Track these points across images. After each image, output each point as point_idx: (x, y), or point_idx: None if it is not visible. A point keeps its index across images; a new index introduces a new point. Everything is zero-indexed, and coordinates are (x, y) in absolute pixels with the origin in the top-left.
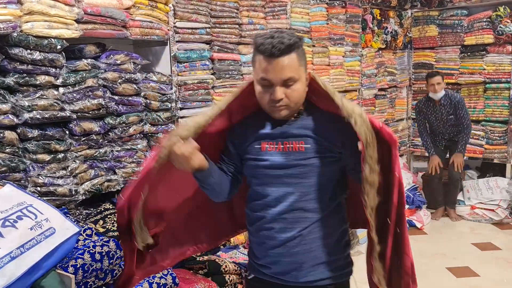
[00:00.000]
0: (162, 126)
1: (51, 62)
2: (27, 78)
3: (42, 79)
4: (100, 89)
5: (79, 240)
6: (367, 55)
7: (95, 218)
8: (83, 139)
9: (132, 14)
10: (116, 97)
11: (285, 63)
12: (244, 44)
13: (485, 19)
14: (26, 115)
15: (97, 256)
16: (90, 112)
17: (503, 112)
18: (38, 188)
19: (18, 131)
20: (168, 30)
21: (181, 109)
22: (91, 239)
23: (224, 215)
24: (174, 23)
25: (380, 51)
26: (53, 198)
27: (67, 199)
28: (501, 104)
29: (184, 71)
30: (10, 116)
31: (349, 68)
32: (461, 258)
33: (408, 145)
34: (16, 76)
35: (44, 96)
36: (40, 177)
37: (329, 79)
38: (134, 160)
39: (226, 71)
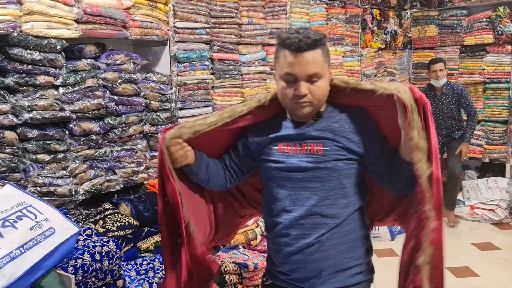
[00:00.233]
0: (162, 126)
1: (51, 62)
2: (27, 78)
3: (42, 79)
4: (100, 89)
5: (79, 240)
6: (367, 55)
7: (95, 218)
8: (83, 139)
9: (131, 14)
10: (116, 97)
11: (310, 58)
12: (243, 44)
13: (484, 19)
14: (26, 115)
15: (97, 256)
16: (90, 112)
17: (502, 112)
18: (38, 188)
19: (18, 131)
20: (167, 30)
21: (180, 109)
22: (91, 239)
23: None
24: (174, 23)
25: (379, 51)
26: (53, 198)
27: (67, 199)
28: (501, 104)
29: (183, 71)
30: (10, 116)
31: (348, 68)
32: (460, 258)
33: None
34: (16, 76)
35: (44, 96)
36: (40, 177)
37: None
38: (134, 160)
39: (225, 71)
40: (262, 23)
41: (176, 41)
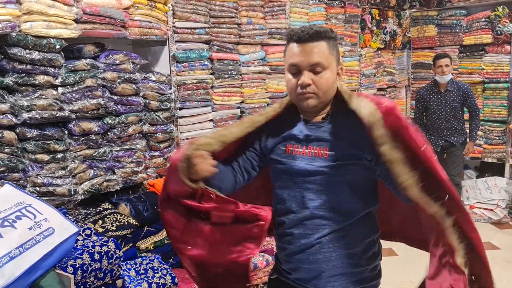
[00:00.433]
0: (161, 126)
1: (50, 62)
2: (26, 78)
3: (41, 79)
4: (99, 89)
5: (78, 240)
6: (366, 55)
7: (94, 218)
8: (82, 139)
9: (131, 14)
10: (115, 97)
11: (313, 48)
12: (243, 44)
13: (483, 19)
14: (25, 115)
15: (96, 256)
16: (89, 112)
17: (501, 112)
18: (37, 188)
19: (17, 131)
20: (167, 30)
21: (180, 109)
22: (90, 239)
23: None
24: (173, 23)
25: (379, 51)
26: (52, 198)
27: (66, 199)
28: (500, 104)
29: (183, 71)
30: (9, 116)
31: (348, 68)
32: None
33: None
34: (15, 76)
35: (43, 96)
36: (39, 177)
37: None
38: (133, 160)
39: (225, 71)
40: (262, 23)
41: (176, 41)
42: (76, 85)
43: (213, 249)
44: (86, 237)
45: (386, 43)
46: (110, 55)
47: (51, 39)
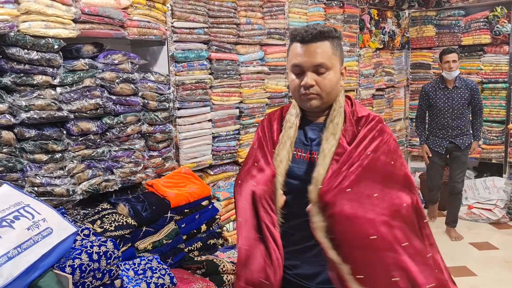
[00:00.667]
0: (160, 126)
1: (49, 62)
2: (24, 77)
3: (39, 78)
4: (98, 89)
5: (77, 240)
6: (365, 55)
7: (92, 218)
8: (81, 139)
9: (129, 14)
10: (114, 97)
11: (316, 49)
12: (242, 44)
13: (482, 19)
14: (23, 115)
15: (95, 256)
16: (88, 112)
17: (500, 112)
18: (36, 188)
19: (15, 131)
20: (166, 30)
21: (179, 109)
22: (88, 239)
23: None
24: (172, 23)
25: (377, 51)
26: (51, 198)
27: (64, 199)
28: (498, 104)
29: (182, 71)
30: (7, 116)
31: (346, 68)
32: (458, 258)
33: (405, 145)
34: (13, 76)
35: (42, 96)
36: (37, 177)
37: None
38: (132, 160)
39: (224, 71)
40: (260, 23)
41: (174, 41)
42: (74, 85)
43: None
44: (84, 237)
45: (384, 43)
46: (109, 55)
47: (50, 39)
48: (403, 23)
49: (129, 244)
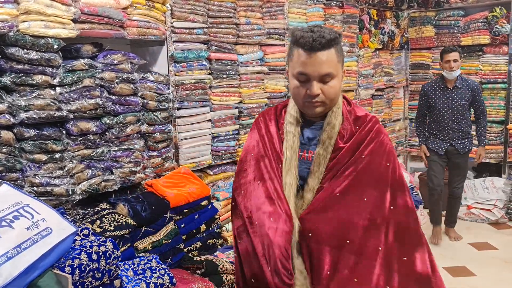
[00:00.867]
0: (159, 126)
1: (48, 62)
2: (23, 77)
3: (38, 78)
4: (97, 89)
5: (76, 240)
6: (364, 55)
7: (92, 218)
8: (80, 139)
9: (129, 14)
10: (113, 97)
11: (324, 58)
12: (241, 44)
13: (481, 20)
14: (23, 115)
15: (94, 256)
16: (87, 112)
17: (499, 113)
18: (35, 188)
19: (15, 131)
20: (165, 30)
21: (178, 109)
22: (88, 239)
23: None
24: (172, 23)
25: (377, 52)
26: (50, 198)
27: (64, 199)
28: (497, 104)
29: (181, 71)
30: (6, 115)
31: (346, 69)
32: (457, 258)
33: (405, 145)
34: (12, 75)
35: (41, 96)
36: (36, 177)
37: None
38: (131, 160)
39: (223, 71)
40: (260, 23)
41: (174, 41)
42: (74, 85)
43: None
44: (84, 237)
45: (384, 44)
46: (108, 55)
47: (49, 39)
48: (403, 24)
49: (129, 244)
